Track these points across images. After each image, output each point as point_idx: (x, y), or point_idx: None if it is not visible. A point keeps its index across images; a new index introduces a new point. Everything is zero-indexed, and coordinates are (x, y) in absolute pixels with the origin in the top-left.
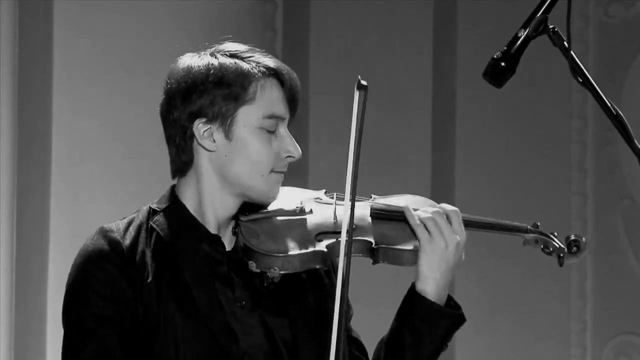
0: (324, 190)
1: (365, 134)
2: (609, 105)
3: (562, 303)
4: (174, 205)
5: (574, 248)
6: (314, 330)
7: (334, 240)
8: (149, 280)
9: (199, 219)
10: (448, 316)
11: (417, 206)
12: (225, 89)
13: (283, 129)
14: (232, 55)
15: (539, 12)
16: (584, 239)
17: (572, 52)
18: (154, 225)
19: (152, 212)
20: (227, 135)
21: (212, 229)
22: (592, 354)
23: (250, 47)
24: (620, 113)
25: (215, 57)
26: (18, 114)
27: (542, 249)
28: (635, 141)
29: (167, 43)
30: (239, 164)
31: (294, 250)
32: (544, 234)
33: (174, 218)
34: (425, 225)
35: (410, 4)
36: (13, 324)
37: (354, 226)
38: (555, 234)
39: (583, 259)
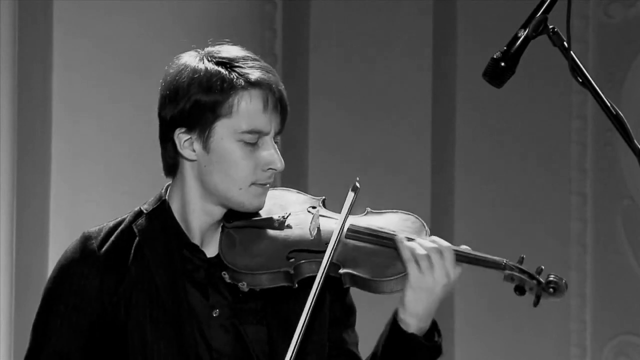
0: (323, 197)
1: (366, 134)
2: (609, 105)
3: (562, 303)
4: (160, 208)
5: (551, 289)
6: (288, 341)
7: (303, 260)
8: (121, 288)
9: (182, 223)
10: (426, 349)
11: (406, 228)
12: (205, 97)
13: (266, 141)
14: (219, 63)
15: (538, 12)
16: (564, 280)
17: (571, 52)
18: (135, 229)
19: (139, 215)
20: (205, 146)
21: (196, 234)
22: (592, 354)
23: (244, 55)
24: (620, 113)
25: (203, 62)
26: (18, 115)
27: (518, 287)
28: (635, 141)
29: (167, 43)
30: (217, 176)
31: (261, 269)
32: (523, 271)
33: (157, 222)
34: (417, 261)
35: (410, 4)
36: (13, 324)
37: (327, 244)
38: (542, 267)
39: (582, 263)
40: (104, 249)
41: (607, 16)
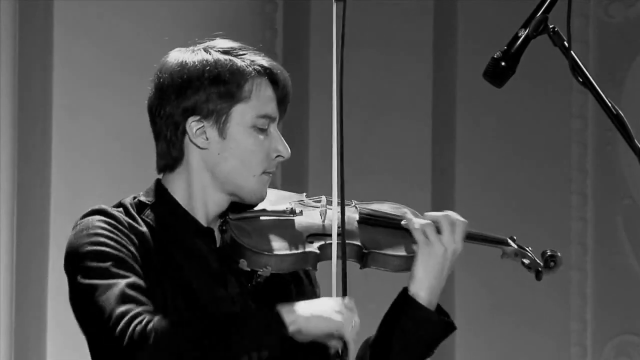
0: (304, 194)
1: (367, 134)
2: (609, 105)
3: (562, 302)
4: (163, 199)
5: (551, 263)
6: None
7: (324, 242)
8: (151, 262)
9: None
10: (438, 322)
11: (397, 213)
12: (220, 87)
13: (273, 129)
14: (226, 52)
15: (539, 11)
16: (559, 253)
17: (572, 51)
18: (146, 219)
19: (141, 205)
20: (221, 133)
21: (203, 224)
22: (593, 354)
23: (242, 45)
24: (621, 113)
25: (209, 54)
26: (18, 115)
27: (522, 263)
28: (636, 141)
29: (167, 43)
30: (232, 163)
31: (286, 250)
32: (522, 247)
33: (166, 212)
34: (424, 230)
35: (410, 5)
36: (13, 324)
37: (339, 227)
38: (530, 248)
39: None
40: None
41: (608, 16)
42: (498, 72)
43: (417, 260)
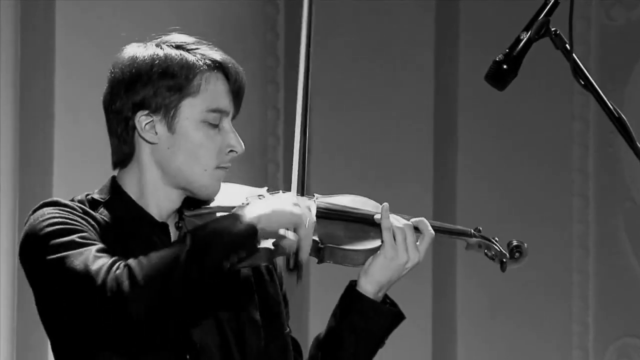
0: (265, 188)
1: (368, 137)
2: (611, 107)
3: (564, 305)
4: (117, 196)
5: (517, 254)
6: (259, 323)
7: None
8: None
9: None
10: (386, 314)
11: (362, 207)
12: (169, 80)
13: (226, 124)
14: (178, 47)
15: (541, 14)
16: (525, 244)
17: (574, 54)
18: (101, 216)
19: (93, 202)
20: (170, 127)
21: (157, 220)
22: (594, 357)
23: (197, 40)
24: (622, 115)
25: (161, 48)
26: (20, 116)
27: (485, 254)
28: (637, 143)
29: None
30: (181, 157)
31: None
32: (487, 238)
33: (120, 209)
34: (395, 233)
35: (412, 7)
36: (15, 326)
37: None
38: (497, 239)
39: (584, 265)
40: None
41: (609, 19)
42: (500, 75)
43: (377, 259)
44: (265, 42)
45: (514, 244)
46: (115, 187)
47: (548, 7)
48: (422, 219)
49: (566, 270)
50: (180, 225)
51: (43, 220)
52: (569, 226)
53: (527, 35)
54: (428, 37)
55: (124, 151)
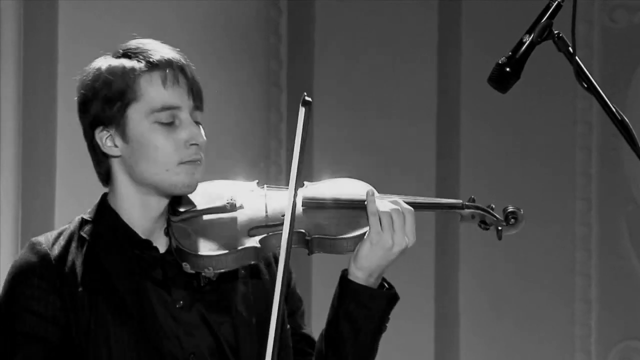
0: (256, 181)
1: (371, 139)
2: (614, 110)
3: (567, 308)
4: (104, 213)
5: (512, 220)
6: (254, 326)
7: (266, 234)
8: (80, 290)
9: (128, 224)
10: (380, 297)
11: (352, 190)
12: (110, 91)
13: (184, 117)
14: (123, 55)
15: (543, 17)
16: (521, 210)
17: (576, 57)
18: (84, 235)
19: (83, 222)
20: (124, 137)
21: (144, 233)
22: (597, 359)
23: (150, 42)
24: (625, 118)
25: (106, 59)
26: (23, 119)
27: (479, 224)
28: None
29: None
30: (142, 163)
31: (226, 248)
32: (480, 207)
33: (104, 226)
34: (380, 218)
35: (414, 11)
36: None
37: (283, 216)
38: (493, 206)
39: (587, 268)
40: (55, 252)
41: (612, 21)
42: (503, 78)
43: (363, 245)
44: (268, 45)
45: (509, 209)
46: (102, 204)
47: (551, 9)
48: (396, 199)
49: (569, 273)
50: (168, 231)
51: (0, 298)
52: (571, 228)
53: (530, 38)
54: (431, 37)
55: (101, 170)
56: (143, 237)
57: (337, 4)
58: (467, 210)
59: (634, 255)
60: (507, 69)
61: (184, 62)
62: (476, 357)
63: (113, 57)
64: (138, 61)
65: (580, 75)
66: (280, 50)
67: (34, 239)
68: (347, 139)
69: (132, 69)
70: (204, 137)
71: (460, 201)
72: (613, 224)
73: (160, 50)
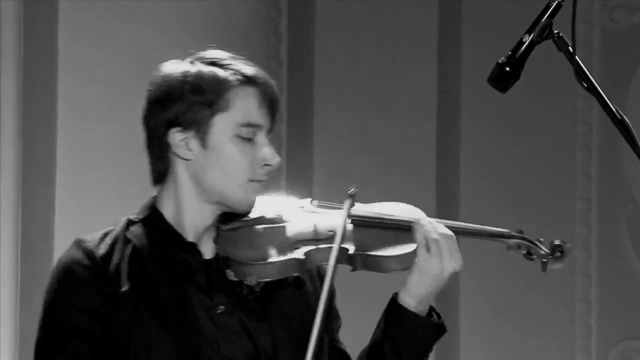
0: (309, 199)
1: (371, 138)
2: (614, 110)
3: (567, 308)
4: (151, 215)
5: (558, 253)
6: (294, 338)
7: (312, 247)
8: (122, 290)
9: (177, 228)
10: (427, 326)
11: (403, 214)
12: (200, 96)
13: (261, 138)
14: (211, 63)
15: (543, 17)
16: (568, 244)
17: (577, 57)
18: (129, 236)
19: (129, 223)
20: (203, 143)
21: (191, 238)
22: (597, 359)
23: (232, 55)
24: (625, 118)
25: (194, 64)
26: (22, 119)
27: (525, 255)
28: None
29: (172, 48)
30: (215, 172)
31: (270, 258)
32: (527, 239)
33: (151, 228)
34: (427, 245)
35: (414, 11)
36: (18, 331)
37: (331, 232)
38: (541, 239)
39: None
40: (101, 251)
41: (612, 21)
42: (502, 78)
43: (413, 274)
44: (268, 45)
45: (556, 242)
46: (151, 206)
47: (551, 9)
48: (442, 224)
49: (569, 273)
50: (216, 240)
51: (46, 293)
52: (571, 229)
53: (530, 38)
54: (431, 37)
55: (159, 168)
56: (191, 240)
57: (337, 4)
58: (513, 241)
59: (634, 255)
60: (507, 69)
61: (273, 83)
62: (477, 357)
63: (198, 62)
64: (232, 73)
65: (580, 75)
66: (280, 50)
67: (80, 237)
68: (347, 139)
69: (226, 80)
70: (278, 160)
71: (509, 231)
72: (613, 224)
73: (252, 66)
